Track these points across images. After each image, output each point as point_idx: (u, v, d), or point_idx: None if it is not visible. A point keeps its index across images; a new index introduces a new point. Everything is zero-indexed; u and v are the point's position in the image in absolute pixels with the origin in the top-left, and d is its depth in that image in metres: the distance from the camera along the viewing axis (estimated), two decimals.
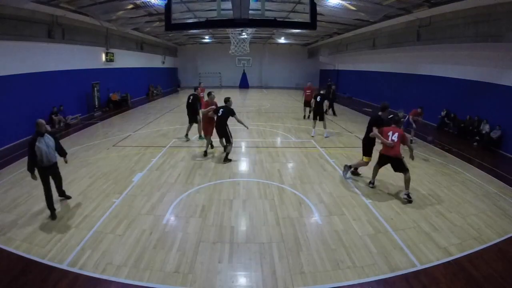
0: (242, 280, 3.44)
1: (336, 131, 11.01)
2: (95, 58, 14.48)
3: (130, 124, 11.87)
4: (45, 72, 10.66)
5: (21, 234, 4.21)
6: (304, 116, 13.45)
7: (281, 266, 3.65)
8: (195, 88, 10.06)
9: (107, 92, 15.41)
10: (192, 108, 9.14)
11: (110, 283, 3.34)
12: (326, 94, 13.99)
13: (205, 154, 7.82)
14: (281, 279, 3.43)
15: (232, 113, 7.28)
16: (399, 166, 5.36)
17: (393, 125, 5.52)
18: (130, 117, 13.65)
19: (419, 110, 9.46)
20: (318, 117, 10.00)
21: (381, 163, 5.70)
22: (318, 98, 9.84)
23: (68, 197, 5.35)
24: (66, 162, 5.20)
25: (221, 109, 7.30)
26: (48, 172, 4.71)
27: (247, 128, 8.05)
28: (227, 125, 7.26)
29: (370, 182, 6.05)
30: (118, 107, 15.73)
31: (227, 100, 7.46)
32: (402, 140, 5.32)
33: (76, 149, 8.29)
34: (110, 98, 15.62)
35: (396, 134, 5.29)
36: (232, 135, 7.36)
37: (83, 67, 13.23)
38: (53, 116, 10.90)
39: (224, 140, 7.39)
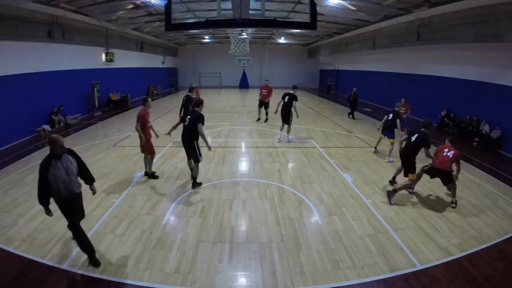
0: (242, 280, 3.44)
1: (336, 131, 11.01)
2: (95, 58, 14.47)
3: (130, 124, 11.83)
4: (45, 72, 10.66)
5: (21, 234, 4.21)
6: (259, 119, 12.30)
7: (281, 266, 3.65)
8: (190, 89, 9.19)
9: (107, 92, 15.41)
10: (184, 111, 8.45)
11: (110, 283, 3.34)
12: (353, 99, 13.31)
13: (148, 174, 6.29)
14: (281, 279, 3.43)
15: (198, 120, 5.44)
16: (449, 179, 5.28)
17: (448, 143, 5.44)
18: (130, 117, 13.61)
19: (402, 101, 9.37)
20: (285, 120, 8.98)
21: (432, 175, 5.53)
22: (286, 99, 8.76)
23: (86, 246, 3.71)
24: (93, 192, 3.95)
25: (188, 117, 5.59)
26: (70, 207, 3.55)
27: (209, 149, 5.59)
28: (196, 139, 5.56)
29: (411, 192, 5.86)
30: (118, 107, 15.72)
31: (198, 103, 5.70)
32: (456, 159, 5.21)
33: (76, 149, 8.14)
34: (110, 98, 15.61)
35: (452, 152, 5.23)
36: (210, 147, 5.65)
37: (83, 67, 13.23)
38: (53, 116, 10.89)
39: (192, 160, 5.76)
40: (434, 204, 5.38)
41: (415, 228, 4.55)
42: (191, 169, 5.92)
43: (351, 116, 13.75)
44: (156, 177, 6.25)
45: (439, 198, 5.65)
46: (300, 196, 5.60)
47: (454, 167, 5.24)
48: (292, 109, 8.67)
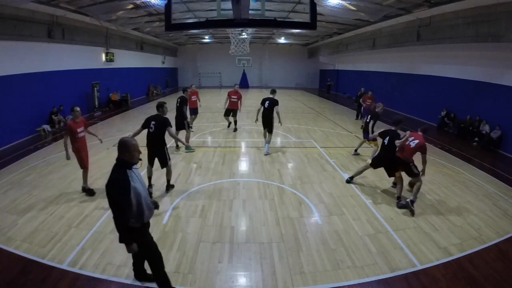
0: (242, 280, 3.44)
1: (336, 131, 11.01)
2: (95, 58, 14.47)
3: (130, 124, 11.84)
4: (45, 72, 10.66)
5: (21, 234, 4.21)
6: (229, 125, 11.06)
7: (281, 266, 3.65)
8: (184, 90, 8.88)
9: (107, 92, 15.42)
10: (179, 113, 8.16)
11: (110, 283, 3.33)
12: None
13: (85, 191, 5.49)
14: (281, 279, 3.43)
15: (166, 124, 5.21)
16: (408, 171, 5.17)
17: (419, 132, 5.30)
18: (130, 117, 13.62)
19: (369, 93, 9.27)
20: (267, 128, 8.10)
21: (375, 165, 5.66)
22: (267, 104, 7.96)
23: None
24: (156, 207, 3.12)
25: (153, 122, 5.23)
26: (148, 235, 2.91)
27: (187, 148, 5.41)
28: (165, 144, 5.36)
29: (351, 178, 6.21)
30: (118, 107, 15.73)
31: (159, 106, 5.37)
32: (419, 149, 5.02)
33: None
34: (110, 98, 15.62)
35: (417, 141, 5.04)
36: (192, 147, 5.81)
37: (83, 67, 13.23)
38: (53, 116, 10.89)
39: (161, 166, 5.50)
40: (434, 204, 5.38)
41: (415, 228, 4.54)
42: (149, 178, 5.51)
43: (358, 118, 12.88)
44: (93, 194, 5.43)
45: (439, 198, 5.65)
46: (300, 196, 5.60)
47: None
48: (275, 114, 7.92)
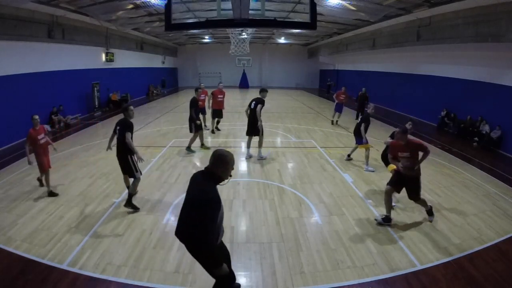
0: (242, 280, 3.43)
1: (336, 131, 11.01)
2: (95, 58, 14.48)
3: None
4: (45, 72, 10.67)
5: (21, 234, 4.21)
6: (213, 130, 10.34)
7: (281, 266, 3.65)
8: (196, 89, 8.56)
9: (107, 92, 15.42)
10: (190, 114, 7.88)
11: (110, 283, 3.33)
12: (361, 101, 11.90)
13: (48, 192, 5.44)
14: (281, 279, 3.43)
15: (125, 129, 4.77)
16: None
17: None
18: None
19: (343, 89, 9.28)
20: (252, 132, 7.37)
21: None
22: (253, 105, 7.22)
23: None
24: None
25: (118, 127, 4.90)
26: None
27: (141, 161, 4.86)
28: (130, 152, 4.81)
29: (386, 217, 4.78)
30: (118, 107, 15.72)
31: (124, 109, 4.97)
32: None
33: (76, 149, 8.28)
34: (110, 98, 15.62)
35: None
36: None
37: (83, 67, 13.24)
38: (53, 116, 10.90)
39: (127, 176, 5.03)
40: (434, 204, 5.37)
41: (415, 228, 4.54)
42: (128, 187, 5.08)
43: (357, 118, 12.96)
44: (55, 195, 5.44)
45: (439, 198, 5.65)
46: (300, 196, 5.60)
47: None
48: (257, 115, 7.16)
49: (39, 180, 5.83)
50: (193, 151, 8.07)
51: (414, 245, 4.11)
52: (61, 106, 11.40)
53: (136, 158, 4.87)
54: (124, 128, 4.79)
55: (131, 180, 5.06)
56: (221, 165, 2.34)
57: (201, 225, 2.20)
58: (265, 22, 4.76)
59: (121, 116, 5.08)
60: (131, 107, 4.99)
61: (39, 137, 5.45)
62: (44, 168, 5.47)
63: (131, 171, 4.92)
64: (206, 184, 2.30)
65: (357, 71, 21.17)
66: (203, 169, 2.44)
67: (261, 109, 7.17)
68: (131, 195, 4.96)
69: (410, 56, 14.17)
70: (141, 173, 5.04)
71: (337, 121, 12.41)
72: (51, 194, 5.45)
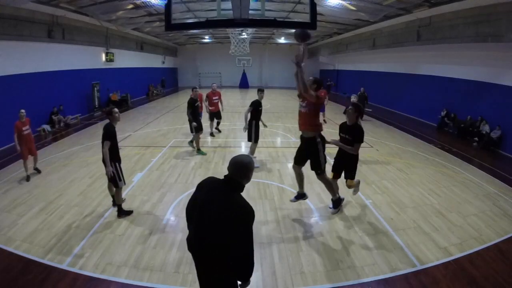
0: None
1: (336, 131, 10.98)
2: (95, 58, 14.47)
3: (130, 124, 11.85)
4: (45, 72, 10.66)
5: (21, 234, 4.21)
6: (212, 133, 9.95)
7: (281, 266, 3.65)
8: (193, 89, 8.14)
9: (107, 92, 15.41)
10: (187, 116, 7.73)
11: (110, 283, 3.33)
12: (360, 101, 11.65)
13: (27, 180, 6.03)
14: (281, 279, 3.43)
15: (104, 136, 4.40)
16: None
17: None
18: (130, 117, 13.63)
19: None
20: (248, 137, 7.11)
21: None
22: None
23: None
24: None
25: (102, 131, 4.57)
26: None
27: (107, 174, 4.45)
28: (115, 159, 4.54)
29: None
30: (118, 107, 15.66)
31: (107, 113, 4.57)
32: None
33: (76, 149, 8.29)
34: (110, 98, 15.61)
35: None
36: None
37: (83, 67, 13.23)
38: (53, 116, 10.90)
39: (111, 184, 4.71)
40: (434, 204, 5.38)
41: (415, 228, 4.54)
42: (112, 196, 4.92)
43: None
44: (28, 179, 6.14)
45: (439, 198, 5.64)
46: None
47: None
48: (244, 117, 6.94)
49: (36, 169, 6.57)
50: (203, 153, 7.91)
51: (414, 245, 4.11)
52: (61, 106, 11.40)
53: (119, 167, 4.60)
54: (103, 136, 4.39)
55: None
56: (244, 173, 2.14)
57: (250, 238, 2.03)
58: (265, 22, 4.76)
59: (121, 115, 4.94)
60: (116, 110, 4.56)
61: (24, 128, 6.29)
62: (25, 156, 6.30)
63: (114, 180, 4.55)
64: (236, 196, 2.11)
65: (357, 71, 21.16)
66: (215, 176, 2.29)
67: (249, 112, 6.86)
68: (119, 205, 4.73)
69: (410, 56, 14.17)
70: (124, 183, 4.75)
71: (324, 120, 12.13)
72: (28, 178, 6.17)
